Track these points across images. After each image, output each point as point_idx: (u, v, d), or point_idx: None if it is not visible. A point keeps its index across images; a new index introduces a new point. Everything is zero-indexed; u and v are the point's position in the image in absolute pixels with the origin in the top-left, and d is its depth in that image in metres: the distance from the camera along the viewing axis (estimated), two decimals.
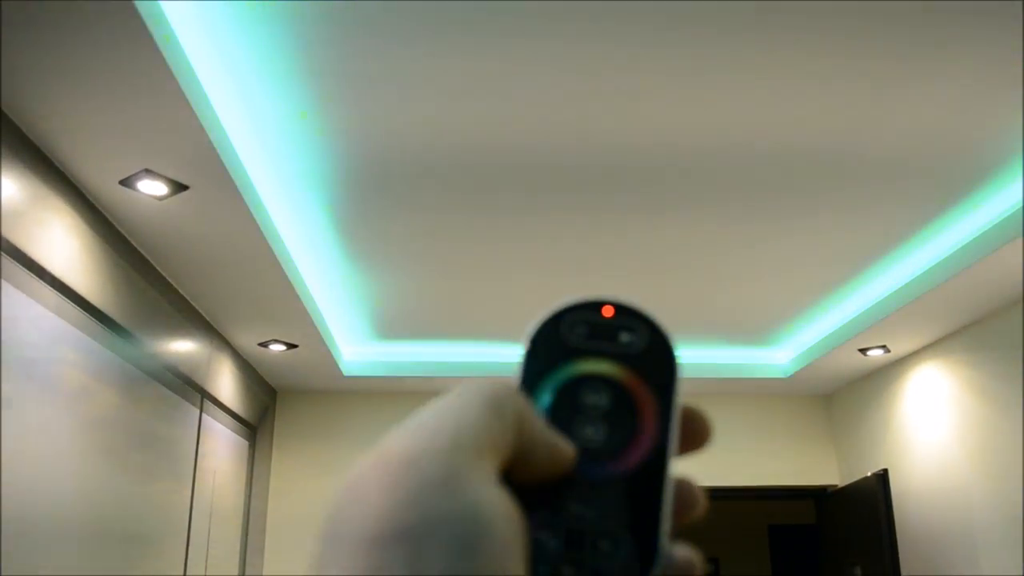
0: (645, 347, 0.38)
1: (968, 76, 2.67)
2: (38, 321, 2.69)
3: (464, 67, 2.61)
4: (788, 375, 5.62)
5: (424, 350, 5.45)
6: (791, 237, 3.82)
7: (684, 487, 0.37)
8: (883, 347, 4.95)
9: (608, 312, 0.39)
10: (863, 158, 3.14)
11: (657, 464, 0.37)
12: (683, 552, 0.37)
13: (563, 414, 0.37)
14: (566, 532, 0.35)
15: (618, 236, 3.82)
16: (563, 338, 0.38)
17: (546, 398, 0.37)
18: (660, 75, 2.67)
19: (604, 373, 0.38)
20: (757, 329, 5.14)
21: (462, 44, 2.51)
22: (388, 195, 3.42)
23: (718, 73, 2.65)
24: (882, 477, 5.01)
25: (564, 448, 0.36)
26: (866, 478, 5.22)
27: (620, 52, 2.56)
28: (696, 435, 0.38)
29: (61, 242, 2.83)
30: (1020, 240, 3.43)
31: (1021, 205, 3.39)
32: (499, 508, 0.31)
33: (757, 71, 2.65)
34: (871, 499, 5.08)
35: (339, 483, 0.34)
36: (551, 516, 0.35)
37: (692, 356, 5.52)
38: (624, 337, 0.38)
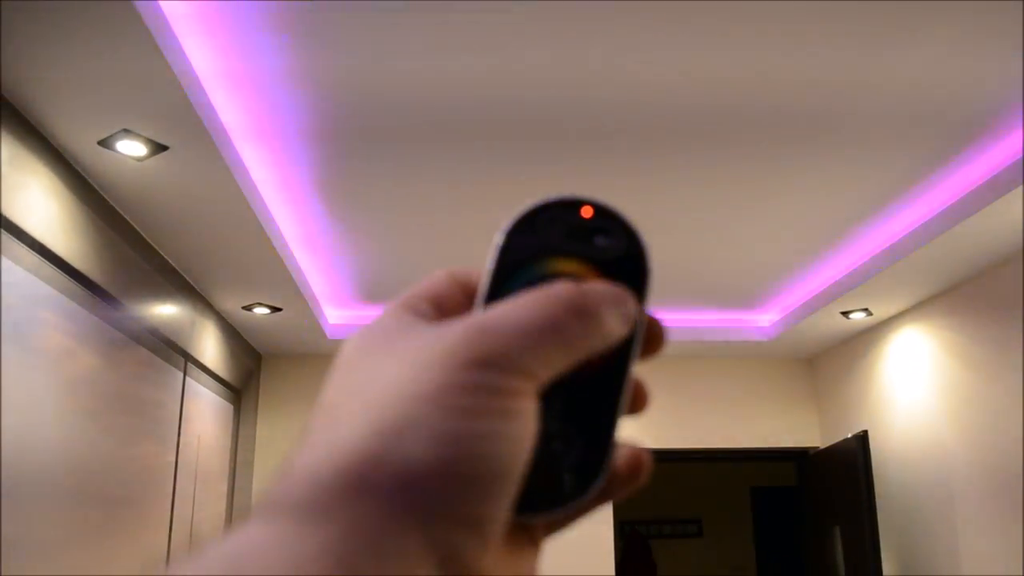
0: (620, 252, 0.38)
1: (949, 39, 2.65)
2: (17, 283, 2.66)
3: (446, 19, 2.58)
4: (771, 338, 5.65)
5: None
6: (774, 200, 3.82)
7: (635, 386, 0.38)
8: (865, 310, 4.98)
9: (587, 213, 0.38)
10: (844, 121, 3.13)
11: (618, 370, 0.37)
12: (629, 449, 0.37)
13: None
14: None
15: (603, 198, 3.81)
16: (538, 235, 0.38)
17: (513, 295, 0.37)
18: (648, 29, 2.63)
19: (575, 274, 0.37)
20: (740, 292, 5.16)
21: None
22: (372, 156, 3.39)
23: (705, 29, 2.63)
24: (862, 438, 5.06)
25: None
26: (846, 439, 5.28)
27: (607, 5, 2.53)
28: (652, 341, 0.38)
29: (39, 204, 2.80)
30: (999, 204, 3.44)
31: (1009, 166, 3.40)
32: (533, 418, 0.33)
33: (743, 28, 2.63)
34: (851, 460, 5.14)
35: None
36: None
37: (675, 319, 5.54)
38: (600, 240, 0.38)
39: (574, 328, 0.34)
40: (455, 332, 0.33)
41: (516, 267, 0.37)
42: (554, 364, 0.34)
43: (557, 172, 3.54)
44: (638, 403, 0.38)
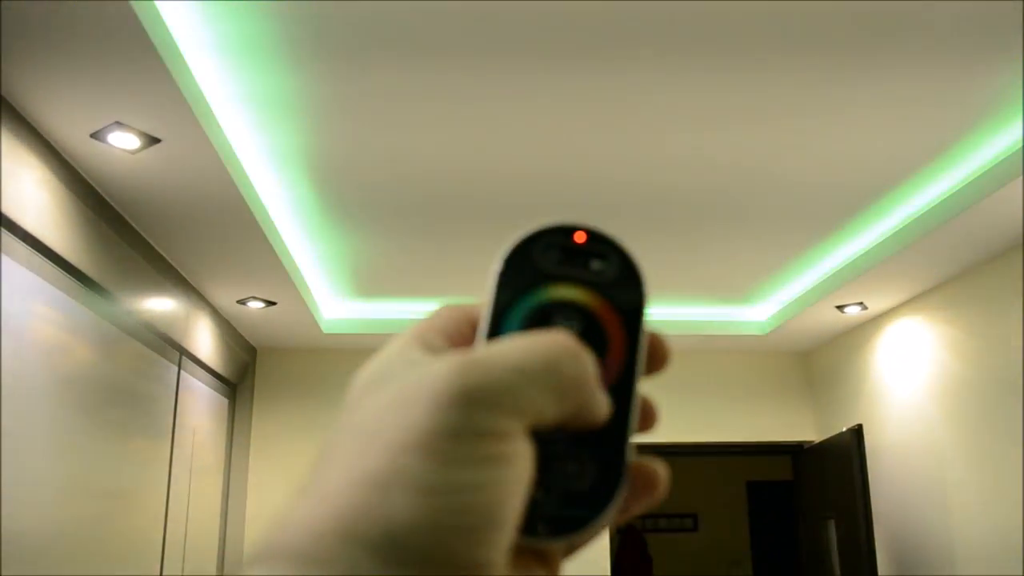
0: (616, 275, 0.38)
1: (929, 54, 2.65)
2: (10, 276, 2.66)
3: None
4: (766, 332, 5.65)
5: (404, 308, 5.45)
6: (770, 196, 3.82)
7: (643, 404, 0.38)
8: (860, 304, 4.98)
9: (580, 238, 0.39)
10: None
11: (625, 389, 0.37)
12: (644, 464, 0.37)
13: None
14: (535, 456, 0.35)
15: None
16: (535, 262, 0.38)
17: (517, 323, 0.37)
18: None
19: (575, 300, 0.38)
20: (736, 287, 5.16)
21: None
22: (369, 152, 3.38)
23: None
24: (857, 432, 5.07)
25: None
26: (841, 434, 5.28)
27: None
28: (656, 358, 0.39)
29: (32, 196, 2.79)
30: (995, 198, 3.44)
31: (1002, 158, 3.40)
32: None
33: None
34: (846, 454, 5.15)
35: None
36: None
37: (672, 313, 5.54)
38: (595, 264, 0.38)
39: (568, 369, 0.34)
40: (444, 367, 0.33)
41: (516, 295, 0.38)
42: (544, 406, 0.33)
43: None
44: (647, 420, 0.38)
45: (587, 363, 0.35)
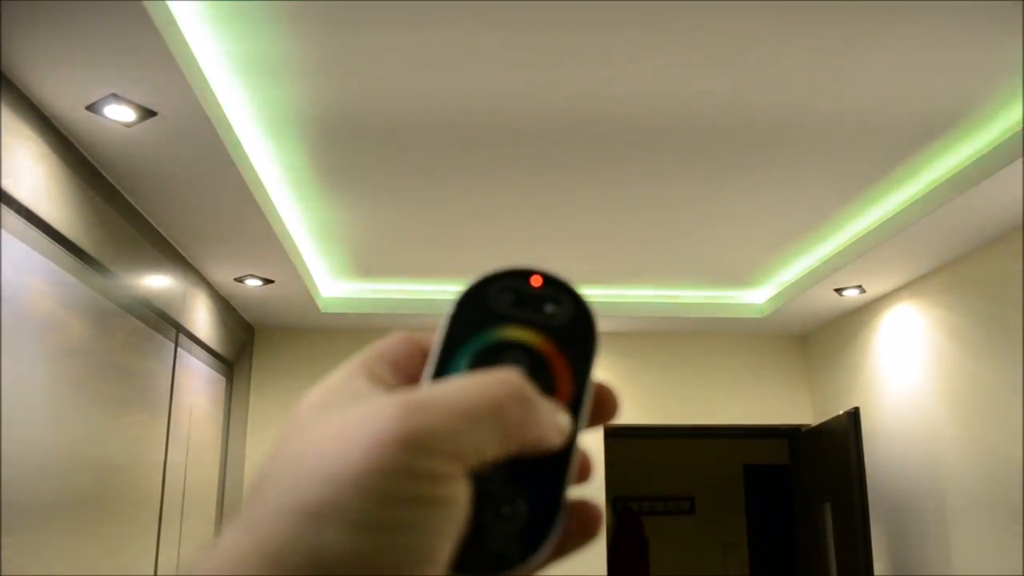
0: (568, 320, 0.39)
1: (930, 37, 2.63)
2: (6, 249, 2.64)
3: (441, 28, 2.55)
4: (764, 315, 5.65)
5: (402, 288, 5.44)
6: (768, 179, 3.80)
7: (581, 457, 0.39)
8: (859, 287, 4.98)
9: (536, 282, 0.39)
10: (831, 115, 3.12)
11: (567, 438, 0.37)
12: (581, 505, 0.38)
13: None
14: (471, 494, 0.35)
15: (596, 180, 3.79)
16: (489, 304, 0.39)
17: (465, 361, 0.38)
18: (631, 36, 2.68)
19: (524, 341, 0.38)
20: (734, 269, 5.15)
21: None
22: (368, 130, 3.36)
23: (693, 35, 2.61)
24: (853, 415, 5.07)
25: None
26: (837, 417, 5.29)
27: (584, 17, 2.56)
28: (605, 409, 0.39)
29: (27, 169, 2.77)
30: (995, 180, 3.43)
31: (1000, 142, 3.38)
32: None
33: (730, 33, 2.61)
34: (842, 437, 5.15)
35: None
36: None
37: (669, 295, 5.54)
38: (549, 308, 0.39)
39: (513, 413, 0.34)
40: (388, 407, 0.33)
41: (467, 334, 0.38)
42: (486, 449, 0.34)
43: (552, 158, 3.51)
44: (582, 473, 0.38)
45: (531, 404, 0.35)
